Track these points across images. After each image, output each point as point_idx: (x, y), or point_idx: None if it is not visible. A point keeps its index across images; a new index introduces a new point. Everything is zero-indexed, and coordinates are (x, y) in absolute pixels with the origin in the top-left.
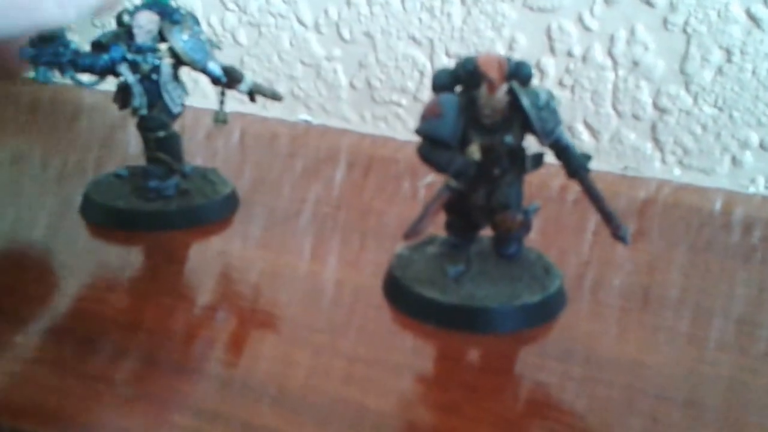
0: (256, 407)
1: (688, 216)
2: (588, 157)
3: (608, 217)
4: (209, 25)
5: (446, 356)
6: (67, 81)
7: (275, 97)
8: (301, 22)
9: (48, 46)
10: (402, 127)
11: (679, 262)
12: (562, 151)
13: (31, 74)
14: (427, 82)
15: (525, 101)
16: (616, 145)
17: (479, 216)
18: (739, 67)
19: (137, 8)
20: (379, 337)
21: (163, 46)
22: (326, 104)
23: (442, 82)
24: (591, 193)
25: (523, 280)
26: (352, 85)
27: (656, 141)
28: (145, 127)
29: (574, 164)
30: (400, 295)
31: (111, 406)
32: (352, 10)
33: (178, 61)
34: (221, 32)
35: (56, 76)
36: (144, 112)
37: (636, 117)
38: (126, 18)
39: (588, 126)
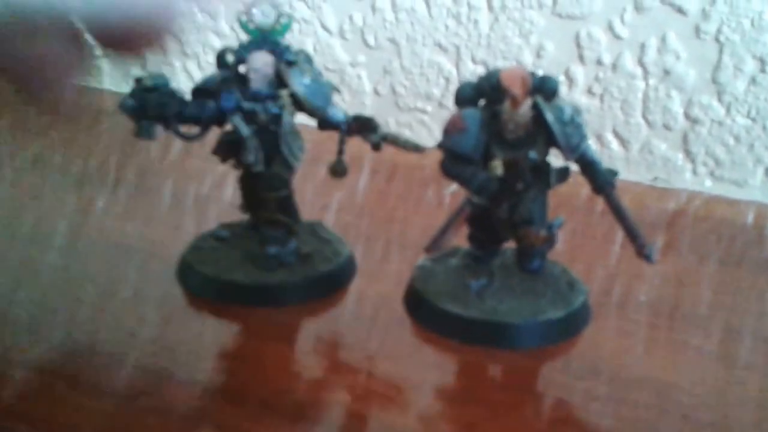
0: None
1: (719, 229)
2: (614, 173)
3: (633, 235)
4: (234, 31)
5: (467, 372)
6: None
7: (417, 149)
8: (325, 28)
9: (153, 97)
10: (427, 134)
11: (709, 277)
12: (588, 167)
13: (135, 131)
14: (453, 89)
15: (549, 116)
16: (646, 155)
17: (502, 230)
18: None
19: (244, 47)
20: (400, 352)
21: (284, 93)
22: (350, 110)
23: (466, 96)
24: (616, 210)
25: (546, 296)
26: (376, 92)
27: (687, 152)
28: (264, 186)
29: (600, 180)
30: (421, 308)
31: None
32: (377, 16)
33: (297, 107)
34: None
35: (160, 132)
36: (260, 168)
37: (667, 127)
38: (230, 58)
39: (617, 135)
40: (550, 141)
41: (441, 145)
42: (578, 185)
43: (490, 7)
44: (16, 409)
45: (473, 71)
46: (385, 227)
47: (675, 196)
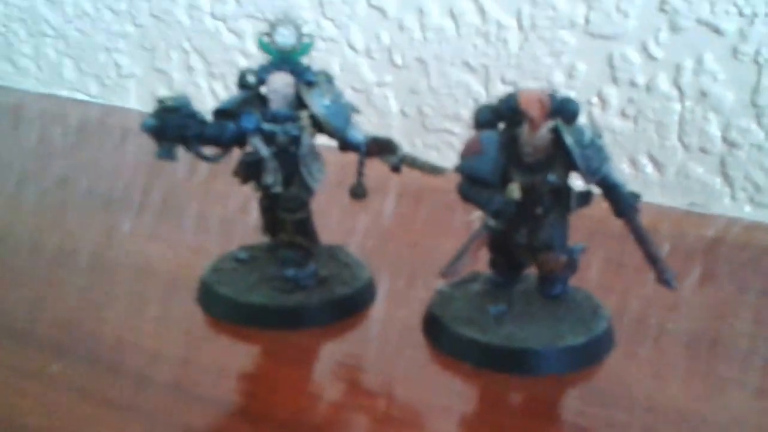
0: None
1: (759, 257)
2: (636, 197)
3: (654, 260)
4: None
5: (484, 398)
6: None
7: (436, 171)
8: (352, 47)
9: (174, 117)
10: (455, 155)
11: (749, 308)
12: (610, 190)
13: (156, 152)
14: None
15: (568, 139)
16: (682, 179)
17: (522, 255)
18: None
19: (264, 68)
20: (418, 376)
21: (304, 114)
22: (376, 132)
23: (484, 119)
24: (638, 234)
25: (567, 321)
26: (403, 113)
27: (725, 176)
28: (283, 207)
29: (622, 203)
30: (438, 333)
31: None
32: (405, 35)
33: (317, 128)
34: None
35: (180, 153)
36: (279, 189)
37: (704, 150)
38: (251, 79)
39: (652, 159)
40: (570, 164)
41: (458, 169)
42: (611, 212)
43: (520, 26)
44: (41, 426)
45: (502, 92)
46: (409, 252)
47: (713, 222)
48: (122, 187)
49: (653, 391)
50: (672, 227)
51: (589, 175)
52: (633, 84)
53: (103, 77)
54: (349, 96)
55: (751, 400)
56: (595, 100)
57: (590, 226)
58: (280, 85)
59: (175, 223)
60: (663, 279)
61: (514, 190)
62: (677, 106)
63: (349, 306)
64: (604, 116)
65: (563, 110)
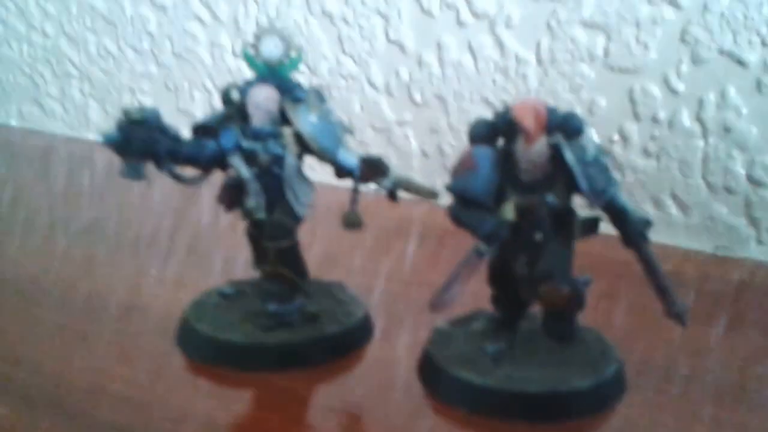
0: None
1: None
2: (648, 223)
3: (664, 293)
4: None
5: None
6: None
7: (430, 195)
8: (371, 84)
9: (139, 131)
10: None
11: None
12: (618, 215)
13: (120, 170)
14: None
15: (569, 155)
16: (707, 221)
17: (522, 288)
18: None
19: (250, 83)
20: (410, 424)
21: (287, 131)
22: (398, 172)
23: (480, 134)
24: (648, 264)
25: (573, 363)
26: (423, 152)
27: (751, 218)
28: (264, 235)
29: (631, 231)
30: (431, 374)
31: None
32: (424, 71)
33: (304, 149)
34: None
35: (149, 172)
36: (262, 215)
37: (728, 190)
38: (235, 95)
39: (676, 199)
40: (571, 184)
41: (449, 188)
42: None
43: (539, 60)
44: None
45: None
46: (417, 291)
47: (739, 266)
48: (150, 232)
49: None
50: (698, 272)
51: (593, 196)
52: (655, 120)
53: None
54: (370, 136)
55: None
56: (616, 137)
57: (613, 270)
58: (261, 99)
59: (201, 268)
60: (672, 313)
61: (509, 211)
62: (700, 143)
63: (341, 345)
64: (626, 154)
65: (566, 125)
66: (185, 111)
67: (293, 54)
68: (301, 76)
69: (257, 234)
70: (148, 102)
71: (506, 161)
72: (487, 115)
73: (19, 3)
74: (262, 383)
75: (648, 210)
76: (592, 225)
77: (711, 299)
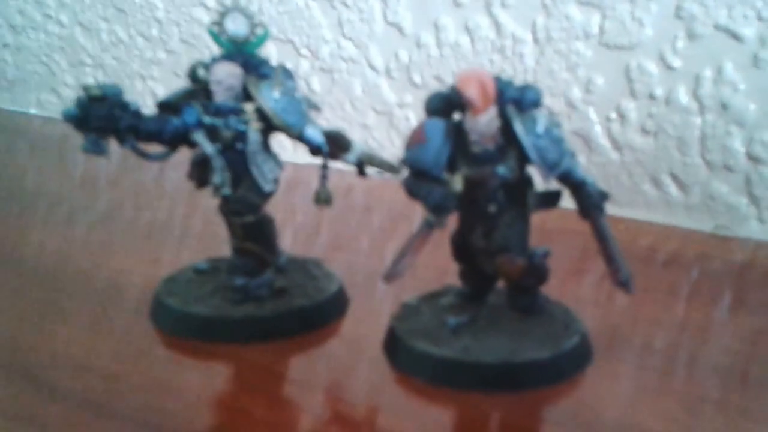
0: None
1: None
2: (605, 196)
3: (614, 262)
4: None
5: (430, 417)
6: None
7: (392, 169)
8: (372, 67)
9: (99, 107)
10: None
11: None
12: (575, 188)
13: (82, 145)
14: None
15: (518, 127)
16: (707, 200)
17: (481, 260)
18: None
19: (215, 59)
20: (372, 395)
21: (249, 107)
22: (361, 147)
23: (435, 107)
24: (600, 235)
25: (533, 335)
26: None
27: (751, 196)
28: (229, 210)
29: (587, 203)
30: (394, 348)
31: None
32: (422, 53)
33: (269, 125)
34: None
35: (111, 147)
36: (227, 191)
37: (728, 168)
38: (201, 72)
39: (675, 178)
40: (524, 156)
41: (403, 161)
42: (639, 235)
43: (535, 39)
44: None
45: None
46: (440, 278)
47: (740, 246)
48: (163, 219)
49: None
50: (698, 251)
51: (546, 168)
52: (652, 97)
53: (141, 106)
54: (372, 119)
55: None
56: (613, 115)
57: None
58: (223, 75)
59: (214, 253)
60: (618, 280)
61: (457, 182)
62: (698, 120)
63: (309, 319)
64: (623, 132)
65: (522, 97)
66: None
67: (259, 31)
68: (304, 60)
69: (226, 209)
70: (158, 88)
71: (458, 133)
72: None
73: None
74: (233, 356)
75: (647, 190)
76: (551, 198)
77: (711, 279)
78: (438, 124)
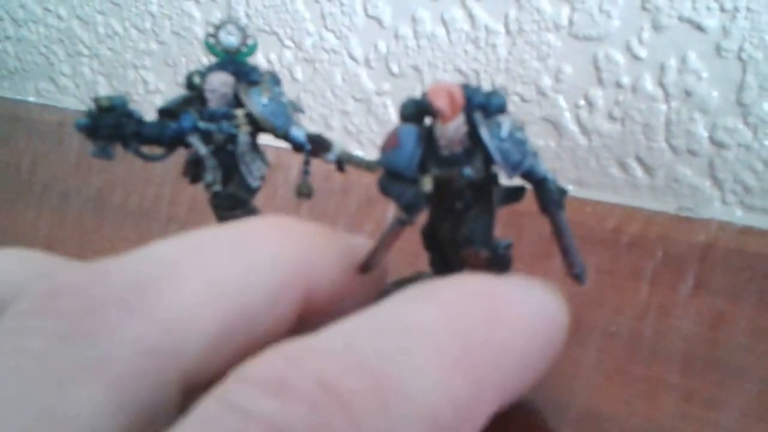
0: None
1: (752, 264)
2: (564, 192)
3: (569, 255)
4: (269, 62)
5: None
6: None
7: (369, 167)
8: (352, 57)
9: (107, 116)
10: None
11: (743, 319)
12: (536, 185)
13: (91, 151)
14: None
15: (483, 132)
16: (671, 183)
17: (450, 252)
18: None
19: (209, 69)
20: None
21: (239, 112)
22: (377, 139)
23: (408, 113)
24: (558, 230)
25: None
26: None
27: (715, 179)
28: (220, 205)
29: (547, 199)
30: None
31: None
32: (400, 44)
33: (257, 127)
34: (279, 69)
35: (117, 152)
36: (218, 188)
37: (692, 152)
38: (197, 80)
39: (641, 162)
40: (488, 158)
41: (378, 162)
42: (603, 216)
43: (508, 31)
44: None
45: (444, 83)
46: (413, 263)
47: (704, 227)
48: (151, 202)
49: (587, 397)
50: (662, 232)
51: (508, 168)
52: (619, 85)
53: (133, 93)
54: (352, 106)
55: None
56: (582, 102)
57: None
58: (217, 84)
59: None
60: (572, 273)
61: (426, 183)
62: (663, 107)
63: None
64: (591, 119)
65: (488, 104)
66: (183, 85)
67: (249, 42)
68: (288, 51)
69: (217, 204)
70: (150, 77)
71: (429, 138)
72: (461, 82)
73: None
74: None
75: (614, 173)
76: (515, 194)
77: (675, 260)
78: (411, 130)
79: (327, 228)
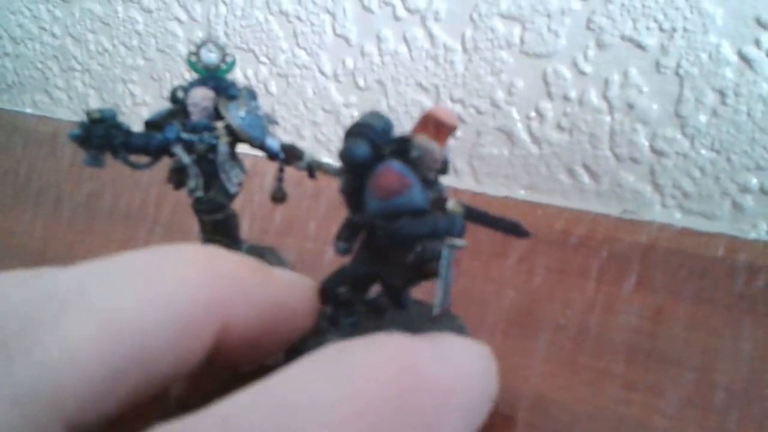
0: None
1: (690, 263)
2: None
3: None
4: (246, 77)
5: None
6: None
7: (338, 173)
8: (322, 72)
9: (98, 128)
10: None
11: (682, 314)
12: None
13: (83, 159)
14: None
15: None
16: (615, 188)
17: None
18: (734, 109)
19: (192, 84)
20: None
21: (219, 124)
22: (310, 155)
23: (381, 152)
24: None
25: (395, 324)
26: None
27: (655, 184)
28: (201, 209)
29: None
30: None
31: None
32: (366, 60)
33: (235, 138)
34: (255, 83)
35: (107, 160)
36: (200, 194)
37: (634, 160)
38: (180, 95)
39: (587, 169)
40: None
41: (381, 212)
42: (552, 219)
43: (464, 49)
44: None
45: (452, 109)
46: None
47: (645, 228)
48: (138, 204)
49: (537, 386)
50: (607, 233)
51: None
52: (566, 98)
53: (121, 105)
54: (321, 117)
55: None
56: (533, 114)
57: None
58: (198, 98)
59: (182, 239)
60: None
61: (457, 206)
62: (607, 118)
63: None
64: (541, 129)
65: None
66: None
67: (228, 59)
68: (263, 67)
69: (199, 208)
70: (137, 90)
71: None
72: (421, 96)
73: (33, 9)
74: None
75: (563, 179)
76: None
77: (619, 260)
78: (404, 165)
79: (252, 261)
